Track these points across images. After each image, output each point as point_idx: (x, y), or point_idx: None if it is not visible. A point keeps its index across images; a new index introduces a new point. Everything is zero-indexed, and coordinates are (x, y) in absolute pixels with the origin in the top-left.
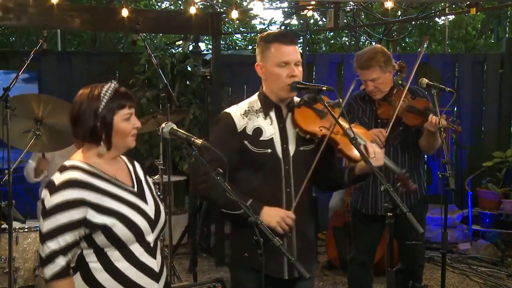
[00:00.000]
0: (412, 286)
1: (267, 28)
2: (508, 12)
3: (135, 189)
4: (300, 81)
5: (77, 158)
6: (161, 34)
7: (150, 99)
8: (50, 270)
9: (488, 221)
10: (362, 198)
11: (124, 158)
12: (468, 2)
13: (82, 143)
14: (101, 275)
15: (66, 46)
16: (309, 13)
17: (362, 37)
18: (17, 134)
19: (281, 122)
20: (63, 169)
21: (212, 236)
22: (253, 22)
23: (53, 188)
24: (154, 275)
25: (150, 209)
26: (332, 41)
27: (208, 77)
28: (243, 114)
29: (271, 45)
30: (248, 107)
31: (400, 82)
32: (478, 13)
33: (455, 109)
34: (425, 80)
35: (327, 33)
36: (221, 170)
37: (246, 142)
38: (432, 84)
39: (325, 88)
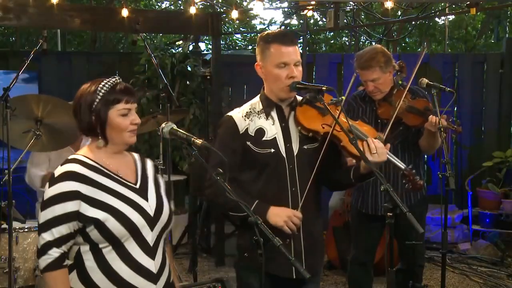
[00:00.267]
0: (412, 286)
1: (267, 28)
2: (508, 12)
3: (137, 186)
4: (300, 81)
5: (82, 152)
6: (161, 34)
7: (150, 99)
8: (44, 261)
9: (488, 221)
10: (362, 198)
11: (134, 155)
12: (468, 2)
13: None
14: (96, 275)
15: (66, 46)
16: (309, 13)
17: (362, 37)
18: (17, 134)
19: (283, 121)
20: (64, 162)
21: (212, 236)
22: (253, 22)
23: (52, 180)
24: (150, 276)
25: (150, 206)
26: (332, 41)
27: (208, 77)
28: (245, 116)
29: (271, 46)
30: (250, 109)
31: (400, 82)
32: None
33: (455, 109)
34: (425, 80)
35: (327, 33)
36: (220, 170)
37: (248, 143)
38: (432, 84)
39: (324, 88)
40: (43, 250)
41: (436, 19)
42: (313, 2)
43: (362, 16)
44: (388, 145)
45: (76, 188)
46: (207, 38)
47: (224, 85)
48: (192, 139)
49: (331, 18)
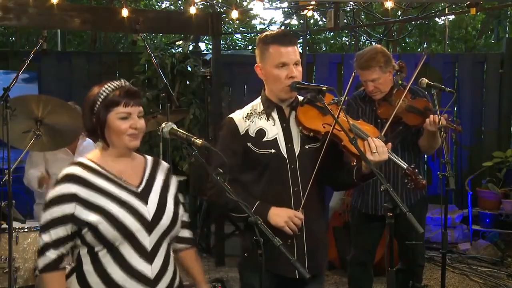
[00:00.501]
0: (412, 286)
1: (267, 28)
2: (508, 12)
3: (139, 189)
4: (300, 81)
5: (90, 155)
6: (161, 34)
7: (150, 99)
8: (41, 262)
9: (488, 221)
10: (362, 198)
11: (148, 157)
12: (468, 2)
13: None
14: (92, 278)
15: (66, 46)
16: (309, 13)
17: (362, 37)
18: (17, 134)
19: (284, 122)
20: (68, 165)
21: (212, 236)
22: (253, 22)
23: (55, 183)
24: (146, 281)
25: (149, 210)
26: (332, 41)
27: (208, 77)
28: (245, 117)
29: (270, 47)
30: (251, 110)
31: (400, 82)
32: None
33: (455, 109)
34: (425, 80)
35: (327, 33)
36: (220, 170)
37: (249, 144)
38: (432, 84)
39: (324, 88)
40: (41, 251)
41: (436, 19)
42: (313, 2)
43: (362, 16)
44: (389, 144)
45: (74, 191)
46: (207, 38)
47: (224, 85)
48: (192, 139)
49: (331, 18)
